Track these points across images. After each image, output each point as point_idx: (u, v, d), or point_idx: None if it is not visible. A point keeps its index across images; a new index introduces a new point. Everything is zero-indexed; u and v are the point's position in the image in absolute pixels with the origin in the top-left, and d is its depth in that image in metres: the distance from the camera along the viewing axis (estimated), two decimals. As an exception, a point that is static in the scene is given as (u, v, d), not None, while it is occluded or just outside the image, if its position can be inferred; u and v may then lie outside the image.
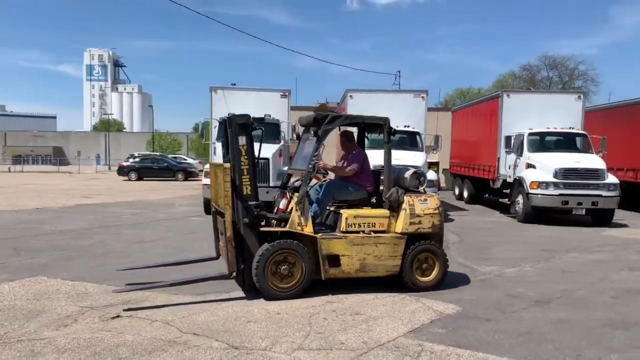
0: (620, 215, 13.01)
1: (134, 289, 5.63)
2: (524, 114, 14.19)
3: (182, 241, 9.21)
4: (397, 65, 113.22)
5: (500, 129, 14.43)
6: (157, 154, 37.93)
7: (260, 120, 5.76)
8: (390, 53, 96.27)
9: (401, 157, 12.81)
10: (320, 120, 5.81)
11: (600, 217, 12.32)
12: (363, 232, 5.82)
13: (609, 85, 75.31)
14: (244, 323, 4.68)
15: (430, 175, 12.82)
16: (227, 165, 5.45)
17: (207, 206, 12.93)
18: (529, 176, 12.54)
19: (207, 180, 12.71)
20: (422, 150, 13.76)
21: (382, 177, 6.22)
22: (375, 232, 5.87)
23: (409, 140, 14.08)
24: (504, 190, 15.34)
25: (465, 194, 18.64)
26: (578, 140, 13.57)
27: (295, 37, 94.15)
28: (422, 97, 14.74)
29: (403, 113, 14.48)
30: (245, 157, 5.52)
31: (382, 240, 5.84)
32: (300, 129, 7.13)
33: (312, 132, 5.95)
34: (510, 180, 14.01)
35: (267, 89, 15.61)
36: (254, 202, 5.56)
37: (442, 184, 25.29)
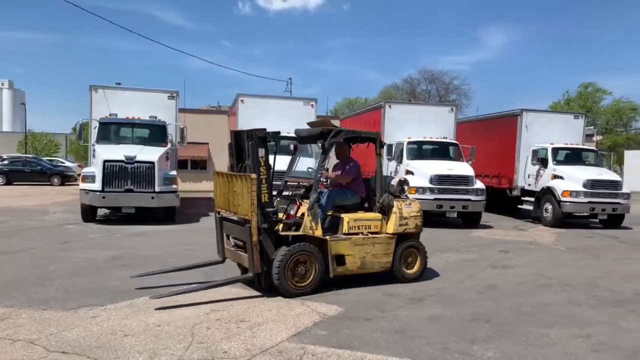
0: (486, 217, 14.31)
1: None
2: (404, 124, 15.10)
3: (55, 251, 8.47)
4: (289, 73, 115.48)
5: (383, 137, 15.19)
6: (30, 155, 34.49)
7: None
8: (282, 60, 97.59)
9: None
10: (327, 134, 6.38)
11: (469, 220, 13.50)
12: (362, 233, 6.48)
13: (479, 99, 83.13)
14: (120, 338, 4.43)
15: (479, 184, 13.42)
16: (254, 175, 5.70)
17: (86, 213, 12.06)
18: (408, 182, 13.42)
19: (85, 185, 11.86)
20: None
21: (371, 184, 6.96)
22: (371, 233, 6.56)
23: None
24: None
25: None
26: (451, 149, 14.72)
27: (188, 38, 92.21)
28: (312, 104, 15.11)
29: (293, 120, 14.64)
30: (264, 167, 5.91)
31: (378, 240, 6.57)
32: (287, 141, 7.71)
33: (319, 145, 6.38)
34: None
35: (153, 90, 14.99)
36: (272, 209, 6.00)
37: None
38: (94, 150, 12.92)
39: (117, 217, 13.02)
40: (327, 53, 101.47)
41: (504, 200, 16.52)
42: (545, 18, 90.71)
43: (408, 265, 6.89)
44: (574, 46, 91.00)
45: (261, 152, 5.95)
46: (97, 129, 13.37)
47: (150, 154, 12.40)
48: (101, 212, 12.99)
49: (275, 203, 6.43)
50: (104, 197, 11.66)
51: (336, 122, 23.96)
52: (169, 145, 13.70)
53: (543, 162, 14.81)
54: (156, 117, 14.10)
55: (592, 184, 13.74)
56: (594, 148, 16.45)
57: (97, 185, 11.60)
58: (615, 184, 14.07)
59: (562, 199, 13.71)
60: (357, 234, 6.44)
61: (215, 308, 5.42)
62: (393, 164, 14.68)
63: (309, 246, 6.08)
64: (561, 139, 15.38)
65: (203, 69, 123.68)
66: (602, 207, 13.77)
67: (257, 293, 6.03)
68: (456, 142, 14.91)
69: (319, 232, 6.15)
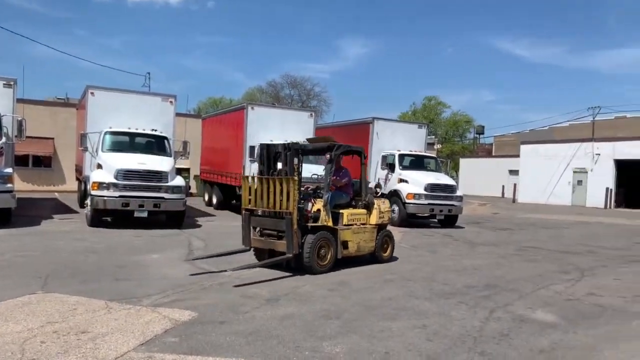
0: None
1: None
2: (266, 126, 15.26)
3: None
4: (151, 68, 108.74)
5: (245, 139, 15.19)
6: None
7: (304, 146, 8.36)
8: (144, 54, 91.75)
9: (147, 162, 12.43)
10: (332, 148, 8.26)
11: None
12: (356, 224, 8.41)
13: (337, 106, 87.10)
14: None
15: (178, 181, 12.70)
16: (295, 178, 7.48)
17: None
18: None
19: None
20: (171, 156, 13.54)
21: (356, 187, 8.96)
22: (362, 224, 8.51)
23: (157, 145, 13.72)
24: (249, 197, 16.16)
25: (215, 200, 19.02)
26: (311, 153, 15.24)
27: (37, 22, 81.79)
28: (171, 101, 14.51)
29: (150, 116, 14.02)
30: (297, 172, 7.69)
31: (367, 229, 8.60)
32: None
33: (327, 156, 8.42)
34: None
35: (-17, 78, 13.15)
36: (301, 205, 7.67)
37: (194, 190, 25.26)
38: None
39: None
40: (192, 50, 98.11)
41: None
42: (398, 34, 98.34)
43: (384, 249, 8.96)
44: (421, 61, 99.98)
45: (295, 160, 7.78)
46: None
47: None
48: None
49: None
50: None
51: (197, 122, 23.34)
52: (4, 139, 12.16)
53: (391, 167, 16.03)
54: (-14, 108, 12.43)
55: (431, 187, 15.23)
56: (434, 155, 18.24)
57: None
58: (451, 188, 15.77)
59: (407, 200, 14.98)
60: (351, 225, 8.31)
61: (53, 319, 4.94)
62: (256, 166, 14.70)
63: (327, 234, 7.84)
64: (406, 146, 16.82)
65: (52, 57, 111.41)
66: (440, 208, 15.34)
67: (101, 302, 5.61)
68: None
69: (330, 224, 7.93)
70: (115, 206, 11.73)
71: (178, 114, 15.98)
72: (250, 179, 8.15)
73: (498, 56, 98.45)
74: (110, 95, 14.04)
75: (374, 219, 8.73)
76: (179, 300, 5.90)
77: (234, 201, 18.30)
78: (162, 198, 12.12)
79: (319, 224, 7.77)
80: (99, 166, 12.43)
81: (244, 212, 8.14)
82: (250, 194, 8.04)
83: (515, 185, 35.14)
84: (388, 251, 9.08)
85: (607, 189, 30.38)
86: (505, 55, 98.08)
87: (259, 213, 7.94)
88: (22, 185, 22.94)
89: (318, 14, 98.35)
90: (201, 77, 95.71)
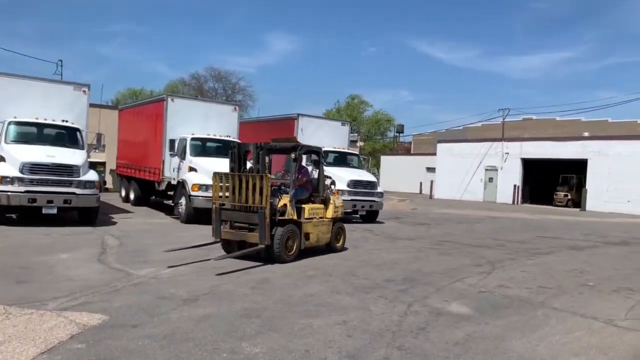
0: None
1: None
2: (188, 119, 14.75)
3: None
4: (64, 55, 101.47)
5: (165, 132, 14.59)
6: None
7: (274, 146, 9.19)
8: (56, 41, 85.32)
9: (57, 155, 11.59)
10: (297, 148, 8.92)
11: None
12: (315, 218, 9.11)
13: (263, 101, 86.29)
14: None
15: (91, 175, 11.97)
16: (269, 175, 8.28)
17: None
18: (191, 179, 13.10)
19: None
20: (83, 148, 12.71)
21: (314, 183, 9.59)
22: (320, 218, 9.25)
23: (68, 137, 12.82)
24: (169, 192, 15.59)
25: (132, 196, 18.15)
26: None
27: None
28: (84, 90, 13.62)
29: (61, 106, 13.10)
30: (267, 170, 8.73)
31: (324, 222, 9.38)
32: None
33: (293, 155, 8.97)
34: (174, 182, 14.32)
35: None
36: (272, 200, 8.20)
37: (110, 185, 23.99)
38: None
39: None
40: (110, 38, 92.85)
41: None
42: (324, 31, 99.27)
43: (337, 240, 9.81)
44: (346, 60, 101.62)
45: (267, 159, 8.75)
46: None
47: None
48: None
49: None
50: None
51: (114, 113, 22.13)
52: None
53: (315, 164, 16.09)
54: None
55: (354, 184, 15.47)
56: (356, 152, 18.55)
57: None
58: (372, 184, 16.12)
59: (192, 193, 14.58)
60: (312, 219, 9.00)
61: (-63, 330, 4.42)
62: (176, 160, 14.21)
63: (293, 226, 8.51)
64: (330, 143, 16.94)
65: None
66: (362, 204, 15.64)
67: (-1, 307, 5.12)
68: (239, 141, 15.15)
69: (295, 217, 8.57)
70: (21, 202, 10.84)
71: (92, 105, 15.05)
72: (222, 175, 8.65)
73: (417, 58, 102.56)
74: (14, 82, 12.93)
75: (330, 212, 9.54)
76: (89, 303, 5.52)
77: (153, 197, 17.58)
78: (74, 193, 11.35)
79: (286, 217, 8.38)
80: (2, 159, 11.41)
81: (214, 206, 8.60)
82: (221, 190, 8.61)
83: (432, 182, 36.68)
84: (341, 241, 10.00)
85: (514, 185, 32.54)
86: (424, 57, 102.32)
87: (231, 207, 8.45)
88: None
89: (245, 6, 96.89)
90: (119, 66, 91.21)
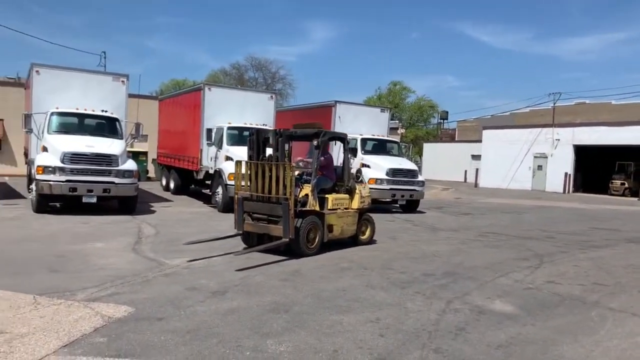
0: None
1: None
2: (225, 108, 14.68)
3: None
4: (111, 48, 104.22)
5: (202, 121, 14.57)
6: None
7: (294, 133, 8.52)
8: (103, 33, 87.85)
9: (96, 145, 11.74)
10: (319, 134, 8.23)
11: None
12: (339, 209, 8.54)
13: (303, 89, 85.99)
14: None
15: (130, 164, 12.08)
16: (292, 164, 7.80)
17: None
18: (227, 168, 13.00)
19: None
20: (122, 138, 12.84)
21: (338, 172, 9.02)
22: (345, 209, 8.67)
23: (108, 127, 13.00)
24: (207, 181, 15.62)
25: (172, 185, 18.35)
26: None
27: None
28: (123, 81, 13.74)
29: (99, 96, 13.26)
30: (287, 158, 8.29)
31: (349, 214, 8.78)
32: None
33: (315, 142, 8.17)
34: (212, 171, 14.31)
35: None
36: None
37: (152, 175, 24.44)
38: None
39: None
40: (155, 30, 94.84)
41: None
42: (364, 18, 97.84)
43: (363, 233, 9.22)
44: (387, 46, 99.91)
45: (287, 146, 8.20)
46: None
47: None
48: None
49: None
50: None
51: (153, 103, 22.44)
52: None
53: (353, 152, 15.71)
54: None
55: (393, 172, 15.00)
56: (396, 140, 18.04)
57: None
58: (413, 173, 15.59)
59: (229, 182, 14.57)
60: (336, 209, 8.44)
61: (-33, 319, 4.41)
62: (213, 149, 14.18)
63: (315, 218, 7.99)
64: (369, 131, 16.51)
65: (3, 35, 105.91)
66: (401, 193, 15.15)
67: (28, 297, 5.10)
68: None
69: (317, 208, 8.05)
70: (62, 191, 11.03)
71: (131, 95, 15.23)
72: (243, 164, 8.12)
73: (462, 42, 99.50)
74: (57, 74, 13.18)
75: (356, 203, 8.93)
76: (117, 293, 5.44)
77: (192, 186, 17.70)
78: (112, 182, 11.47)
79: (307, 208, 7.91)
80: (45, 149, 11.66)
81: (237, 197, 8.11)
82: (243, 179, 8.12)
83: (477, 170, 35.54)
84: (367, 234, 9.34)
85: (566, 173, 31.04)
86: (469, 40, 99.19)
87: (253, 198, 7.96)
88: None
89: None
90: (163, 58, 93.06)
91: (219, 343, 4.14)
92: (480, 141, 36.78)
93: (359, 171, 9.86)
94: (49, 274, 6.20)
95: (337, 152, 16.23)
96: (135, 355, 3.84)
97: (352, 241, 8.97)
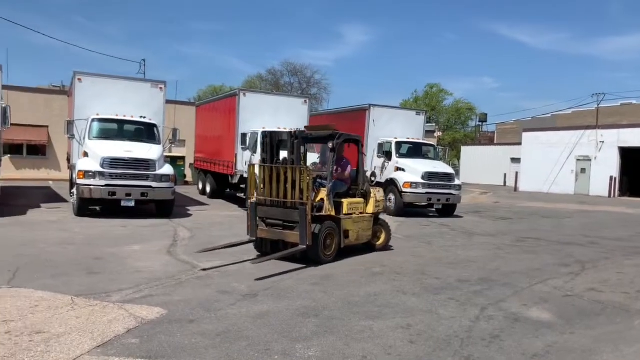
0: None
1: None
2: (259, 113, 14.85)
3: None
4: (149, 55, 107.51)
5: (237, 126, 14.77)
6: None
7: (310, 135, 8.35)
8: (141, 41, 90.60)
9: (134, 150, 12.05)
10: (334, 137, 7.97)
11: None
12: (355, 214, 8.21)
13: (338, 93, 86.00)
14: None
15: (167, 169, 12.35)
16: (309, 167, 7.53)
17: None
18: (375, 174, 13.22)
19: None
20: (160, 143, 13.15)
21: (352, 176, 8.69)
22: (360, 213, 8.34)
23: (146, 132, 13.34)
24: (242, 185, 15.79)
25: (208, 189, 18.66)
26: (304, 140, 14.77)
27: (32, 8, 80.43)
28: (161, 87, 14.09)
29: (139, 103, 13.64)
30: (304, 162, 7.98)
31: (365, 219, 8.45)
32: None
33: (330, 145, 7.88)
34: (246, 175, 14.44)
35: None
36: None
37: (189, 179, 24.93)
38: None
39: None
40: (192, 37, 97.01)
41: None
42: (399, 20, 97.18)
43: (378, 238, 8.88)
44: (423, 48, 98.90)
45: (302, 149, 7.75)
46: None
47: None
48: None
49: None
50: None
51: (190, 109, 22.91)
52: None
53: (387, 155, 15.57)
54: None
55: (429, 176, 14.76)
56: (432, 143, 17.79)
57: None
58: (450, 176, 15.30)
59: (404, 190, 14.52)
60: (351, 214, 8.12)
61: (9, 318, 4.59)
62: (248, 153, 14.34)
63: (332, 223, 7.70)
64: (404, 134, 16.33)
65: (49, 45, 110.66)
66: (437, 197, 14.88)
67: (66, 298, 5.26)
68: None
69: (333, 213, 7.77)
70: (102, 195, 11.39)
71: (169, 101, 15.59)
72: (257, 168, 7.85)
73: (501, 43, 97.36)
74: (97, 81, 13.64)
75: (371, 208, 8.61)
76: (151, 296, 5.55)
77: (228, 190, 17.94)
78: (150, 187, 11.76)
79: (323, 213, 7.62)
80: (86, 154, 12.07)
81: (250, 202, 7.84)
82: (257, 184, 7.82)
83: (517, 173, 34.60)
84: (382, 239, 8.98)
85: (611, 177, 29.81)
86: (508, 41, 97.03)
87: (267, 203, 7.65)
88: (16, 174, 22.70)
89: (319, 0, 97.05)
90: (200, 65, 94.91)
91: (248, 346, 4.15)
92: (520, 144, 35.81)
93: (373, 174, 9.55)
94: (87, 275, 6.38)
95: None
96: (166, 356, 3.89)
97: (367, 247, 8.68)
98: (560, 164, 32.48)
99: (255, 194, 7.86)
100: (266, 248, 7.87)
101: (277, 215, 7.58)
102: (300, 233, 7.15)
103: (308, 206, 7.11)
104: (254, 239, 7.88)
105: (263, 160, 7.92)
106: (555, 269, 7.89)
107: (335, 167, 8.21)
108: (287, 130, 14.43)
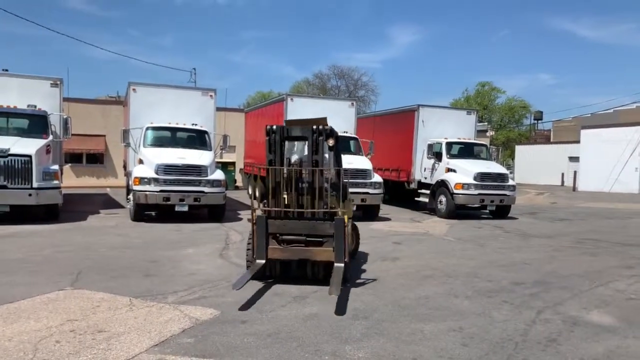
0: (386, 210, 14.55)
1: None
2: (306, 117, 14.92)
3: None
4: (200, 64, 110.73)
5: (285, 130, 14.93)
6: None
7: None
8: (193, 51, 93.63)
9: (187, 156, 12.45)
10: (326, 133, 6.48)
11: (368, 212, 13.63)
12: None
13: (387, 95, 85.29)
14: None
15: (218, 174, 12.66)
16: (341, 169, 6.50)
17: None
18: None
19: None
20: (211, 149, 13.51)
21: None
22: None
23: (198, 139, 13.72)
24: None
25: (258, 193, 18.93)
26: (351, 143, 14.75)
27: (92, 24, 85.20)
28: (211, 95, 14.47)
29: (190, 110, 14.06)
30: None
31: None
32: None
33: (330, 144, 6.36)
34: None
35: (34, 76, 13.72)
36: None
37: (239, 184, 25.45)
38: None
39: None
40: (241, 45, 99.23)
41: (402, 193, 16.94)
42: (448, 18, 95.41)
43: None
44: (474, 46, 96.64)
45: (325, 148, 6.26)
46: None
47: (27, 146, 11.33)
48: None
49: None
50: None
51: (239, 115, 23.39)
52: (51, 137, 12.49)
53: (438, 156, 15.31)
54: (35, 106, 12.90)
55: (481, 176, 14.40)
56: (484, 143, 17.37)
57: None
58: (503, 177, 14.87)
59: (455, 191, 14.23)
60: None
61: (73, 317, 4.85)
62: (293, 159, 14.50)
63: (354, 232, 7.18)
64: (455, 134, 16.01)
65: (107, 58, 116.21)
66: (490, 198, 14.49)
67: (125, 299, 5.49)
68: (356, 136, 15.02)
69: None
70: (157, 201, 11.82)
71: (218, 108, 15.97)
72: (271, 170, 6.50)
73: (557, 37, 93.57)
74: (151, 91, 14.18)
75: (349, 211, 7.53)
76: (204, 297, 5.70)
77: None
78: (202, 192, 12.10)
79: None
80: (141, 161, 12.58)
81: (255, 215, 6.40)
82: (264, 191, 6.60)
83: (575, 172, 33.13)
84: (352, 244, 7.39)
85: (679, 174, 28.08)
86: (565, 35, 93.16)
87: (281, 215, 6.36)
88: (76, 182, 23.90)
89: (365, 2, 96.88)
90: (250, 71, 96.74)
91: (298, 347, 4.20)
92: (578, 142, 34.32)
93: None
94: (143, 278, 6.64)
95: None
96: (219, 356, 4.00)
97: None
98: (622, 162, 30.86)
99: (260, 205, 6.54)
100: (274, 272, 6.48)
101: (297, 229, 6.26)
102: (336, 248, 5.96)
103: (346, 216, 6.05)
104: (263, 261, 6.24)
105: (270, 162, 6.47)
106: (618, 271, 7.51)
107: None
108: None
